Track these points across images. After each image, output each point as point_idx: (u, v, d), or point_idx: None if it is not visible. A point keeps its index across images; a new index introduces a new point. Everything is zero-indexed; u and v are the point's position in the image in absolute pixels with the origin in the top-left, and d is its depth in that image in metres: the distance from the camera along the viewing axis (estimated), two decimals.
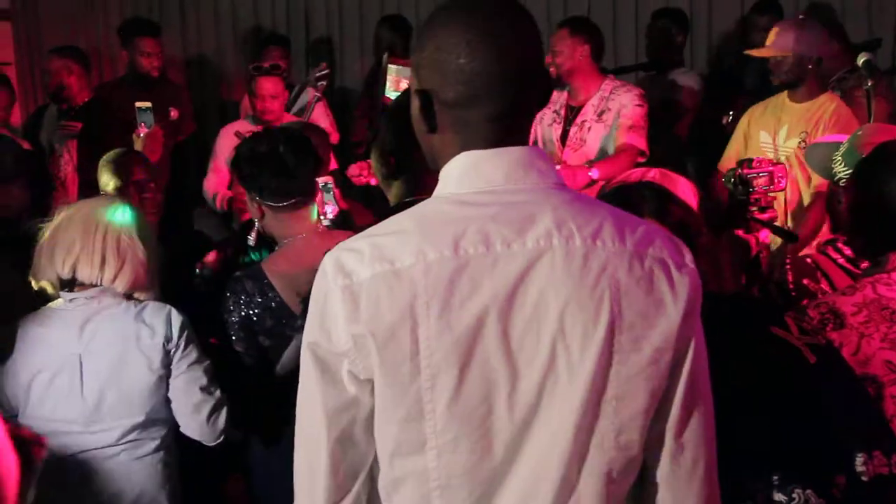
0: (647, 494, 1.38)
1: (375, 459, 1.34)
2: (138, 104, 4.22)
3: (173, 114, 4.75)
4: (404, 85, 3.83)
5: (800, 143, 3.83)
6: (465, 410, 1.26)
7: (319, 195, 2.98)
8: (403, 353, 1.25)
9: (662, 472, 1.35)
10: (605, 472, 1.30)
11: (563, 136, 4.25)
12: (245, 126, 4.43)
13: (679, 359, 1.32)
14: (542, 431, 1.28)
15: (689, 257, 1.37)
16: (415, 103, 1.37)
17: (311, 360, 1.31)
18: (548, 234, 1.28)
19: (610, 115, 4.17)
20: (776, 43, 3.90)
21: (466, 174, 1.33)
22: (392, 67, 4.08)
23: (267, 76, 4.55)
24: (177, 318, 2.50)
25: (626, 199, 1.82)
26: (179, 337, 2.48)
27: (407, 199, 2.06)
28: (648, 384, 1.30)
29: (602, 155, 4.14)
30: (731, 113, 4.21)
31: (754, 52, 4.09)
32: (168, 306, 2.52)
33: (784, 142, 3.95)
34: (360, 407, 1.31)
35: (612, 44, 5.52)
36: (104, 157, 3.61)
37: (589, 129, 4.19)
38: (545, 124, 4.35)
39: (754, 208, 2.67)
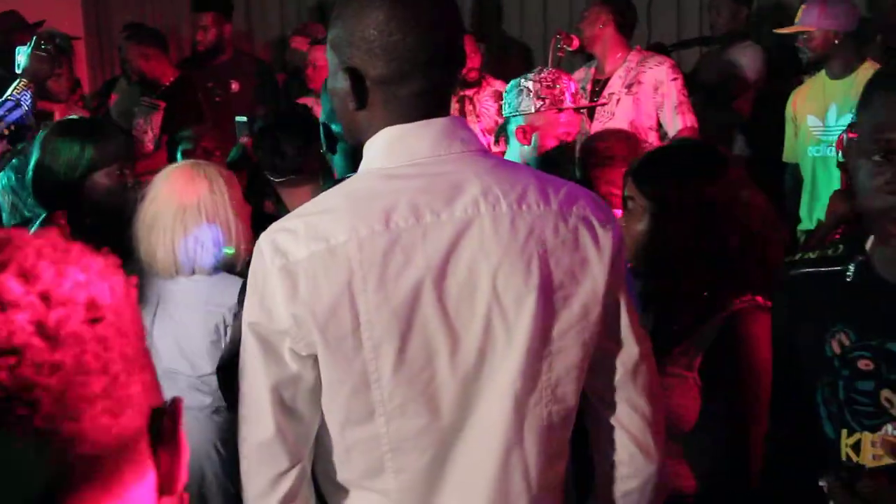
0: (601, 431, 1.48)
1: (325, 427, 1.37)
2: (237, 118, 4.02)
3: (234, 86, 4.82)
4: None
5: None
6: (410, 376, 1.30)
7: None
8: (345, 328, 1.28)
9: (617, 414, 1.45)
10: (546, 424, 1.36)
11: (591, 110, 4.20)
12: (310, 101, 4.49)
13: (610, 311, 1.39)
14: (486, 391, 1.33)
15: (611, 214, 1.41)
16: (342, 82, 1.36)
17: (253, 339, 1.34)
18: (475, 201, 1.32)
19: (641, 89, 4.10)
20: (802, 20, 3.83)
21: (392, 148, 1.35)
22: None
23: (315, 45, 4.65)
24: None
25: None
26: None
27: (347, 175, 2.05)
28: (580, 337, 1.36)
29: (631, 127, 4.08)
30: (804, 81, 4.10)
31: (782, 31, 3.99)
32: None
33: (836, 121, 3.82)
34: (302, 381, 1.34)
35: (676, 17, 5.42)
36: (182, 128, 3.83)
37: (618, 101, 4.13)
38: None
39: None
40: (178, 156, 3.71)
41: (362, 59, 1.33)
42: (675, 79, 4.12)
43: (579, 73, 4.34)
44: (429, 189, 1.32)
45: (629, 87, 4.13)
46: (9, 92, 2.84)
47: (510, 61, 5.43)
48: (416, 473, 1.35)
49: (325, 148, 2.15)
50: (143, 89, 4.87)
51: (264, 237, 1.33)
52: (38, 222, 2.57)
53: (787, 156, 4.11)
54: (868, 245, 1.48)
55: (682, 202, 1.84)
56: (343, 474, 1.39)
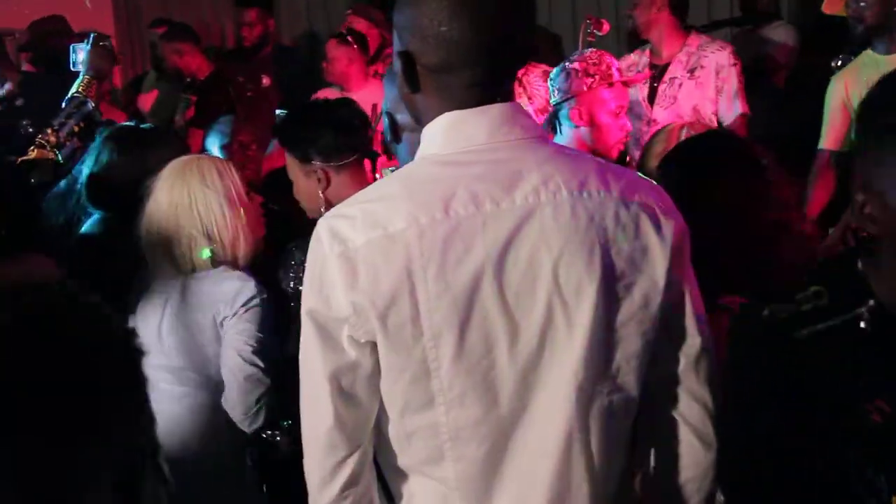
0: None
1: (385, 414, 1.38)
2: (279, 111, 4.09)
3: (265, 81, 4.82)
4: None
5: None
6: (469, 366, 1.30)
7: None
8: (404, 317, 1.28)
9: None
10: (608, 413, 1.35)
11: (651, 95, 4.16)
12: (332, 93, 4.49)
13: (673, 301, 1.37)
14: (546, 381, 1.32)
15: (673, 203, 1.39)
16: (397, 63, 1.37)
17: (312, 326, 1.34)
18: (535, 190, 1.31)
19: (704, 73, 4.03)
20: None
21: (449, 134, 1.34)
22: None
23: (332, 40, 4.63)
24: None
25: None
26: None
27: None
28: (640, 327, 1.35)
29: (694, 113, 4.05)
30: (840, 57, 3.95)
31: (831, 11, 3.78)
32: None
33: None
34: (360, 368, 1.34)
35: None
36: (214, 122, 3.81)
37: (680, 85, 4.07)
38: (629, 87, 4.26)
39: None
40: (218, 150, 3.70)
41: (416, 46, 1.33)
42: (734, 64, 4.04)
43: (632, 57, 4.28)
44: (487, 177, 1.31)
45: (691, 71, 4.06)
46: (74, 89, 2.86)
47: (539, 49, 5.40)
48: (474, 463, 1.35)
49: (389, 137, 2.11)
50: (180, 86, 4.90)
51: (322, 223, 1.33)
52: (89, 222, 2.59)
53: (833, 143, 3.73)
54: (873, 284, 1.21)
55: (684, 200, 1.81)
56: (403, 460, 1.40)
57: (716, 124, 4.00)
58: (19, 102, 3.90)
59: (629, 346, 1.35)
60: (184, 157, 2.41)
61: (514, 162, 1.32)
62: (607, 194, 1.33)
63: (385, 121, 2.01)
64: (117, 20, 6.55)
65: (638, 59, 4.25)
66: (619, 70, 2.81)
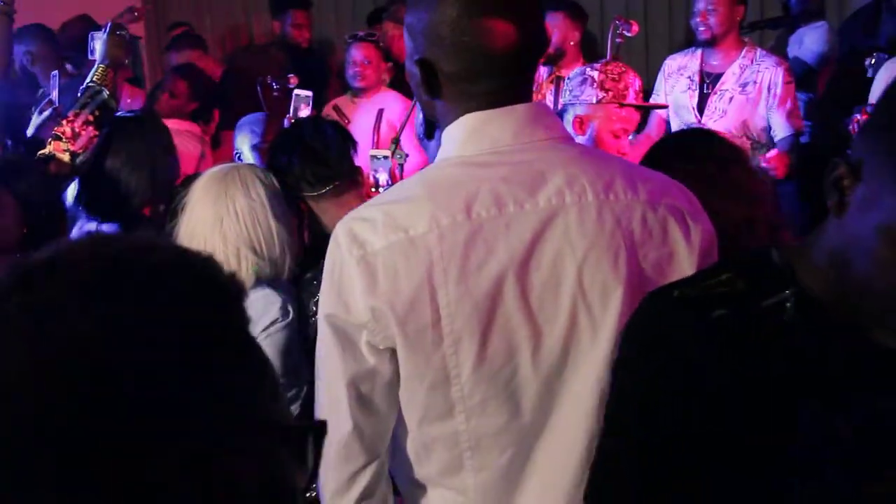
0: None
1: (403, 424, 1.33)
2: (297, 92, 4.02)
3: (292, 81, 4.80)
4: None
5: None
6: (491, 373, 1.26)
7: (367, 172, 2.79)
8: (425, 322, 1.24)
9: None
10: None
11: (700, 104, 4.04)
12: (344, 101, 4.49)
13: None
14: (569, 388, 1.28)
15: (701, 207, 1.34)
16: (414, 70, 1.33)
17: (330, 332, 1.30)
18: (559, 191, 1.27)
19: (755, 89, 3.92)
20: None
21: (472, 136, 1.30)
22: None
23: (360, 42, 4.56)
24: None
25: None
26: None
27: None
28: None
29: (744, 127, 3.92)
30: (874, 54, 3.88)
31: None
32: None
33: None
34: (379, 375, 1.30)
35: None
36: (240, 120, 3.71)
37: (731, 99, 3.96)
38: (678, 91, 4.11)
39: None
40: (249, 151, 3.59)
41: (434, 53, 1.29)
42: (789, 82, 3.94)
43: (680, 60, 4.16)
44: (511, 178, 1.27)
45: (744, 85, 3.95)
46: (89, 78, 2.85)
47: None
48: (495, 472, 1.30)
49: (423, 133, 2.03)
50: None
51: (341, 226, 1.29)
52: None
53: None
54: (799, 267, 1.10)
55: None
56: (421, 471, 1.35)
57: (764, 141, 3.91)
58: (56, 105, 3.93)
59: None
60: (222, 167, 2.28)
61: (538, 163, 1.28)
62: (634, 197, 1.29)
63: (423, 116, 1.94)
64: (147, 26, 6.58)
65: (688, 63, 4.11)
66: (636, 92, 2.70)
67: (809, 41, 4.50)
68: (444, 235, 1.23)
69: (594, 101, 2.65)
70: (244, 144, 3.61)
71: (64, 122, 2.69)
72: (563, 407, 1.28)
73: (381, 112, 4.10)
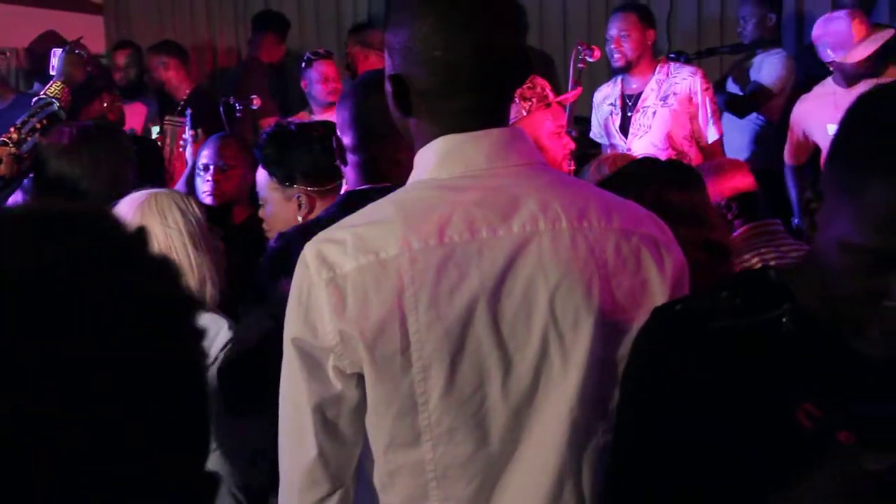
0: None
1: (368, 451, 1.31)
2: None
3: (255, 102, 4.79)
4: None
5: None
6: (460, 400, 1.24)
7: None
8: (394, 347, 1.22)
9: None
10: (603, 453, 1.28)
11: (623, 126, 4.16)
12: (303, 117, 4.50)
13: None
14: (539, 418, 1.26)
15: (673, 236, 1.34)
16: (388, 87, 1.32)
17: (296, 356, 1.27)
18: (533, 217, 1.25)
19: (676, 100, 4.05)
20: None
21: (446, 159, 1.29)
22: None
23: (318, 60, 4.62)
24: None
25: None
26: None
27: (360, 188, 1.90)
28: None
29: (668, 139, 4.03)
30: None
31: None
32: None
33: None
34: (345, 401, 1.28)
35: (697, 26, 5.37)
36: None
37: (654, 113, 4.08)
38: (601, 117, 4.29)
39: None
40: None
41: (407, 70, 1.28)
42: (707, 89, 4.08)
43: (604, 91, 4.33)
44: (485, 203, 1.25)
45: (664, 98, 4.08)
46: (43, 91, 2.94)
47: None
48: (461, 502, 1.28)
49: (338, 160, 1.97)
50: (161, 108, 4.95)
51: (309, 248, 1.27)
52: None
53: None
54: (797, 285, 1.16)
55: None
56: (385, 499, 1.32)
57: (688, 150, 4.05)
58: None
59: None
60: (140, 193, 2.21)
61: (512, 188, 1.27)
62: (608, 225, 1.28)
63: (335, 143, 1.93)
64: (108, 46, 6.55)
65: (611, 91, 4.29)
66: (551, 90, 2.82)
67: (768, 67, 4.59)
68: (416, 259, 1.22)
69: (525, 114, 2.72)
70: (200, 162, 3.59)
71: (12, 129, 2.75)
72: (533, 436, 1.27)
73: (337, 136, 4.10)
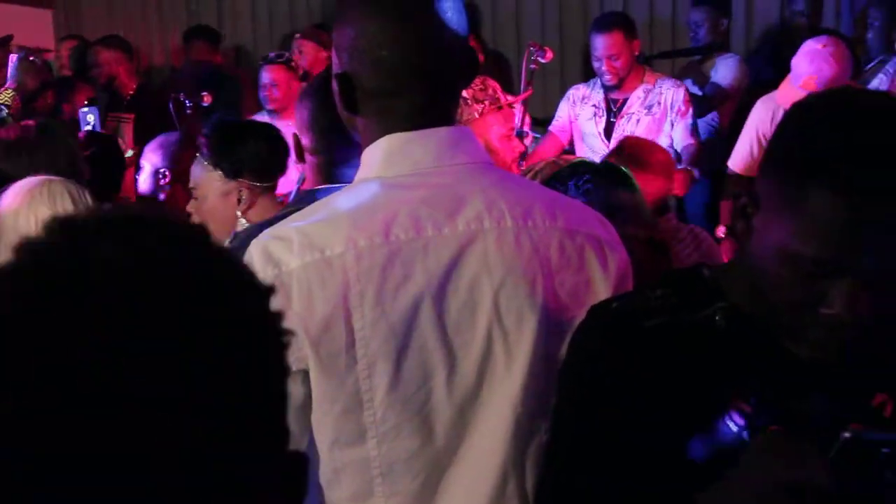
0: None
1: (314, 448, 1.30)
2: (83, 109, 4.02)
3: (206, 98, 4.74)
4: None
5: None
6: (405, 397, 1.24)
7: None
8: (339, 344, 1.22)
9: None
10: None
11: (608, 130, 4.18)
12: (262, 119, 4.44)
13: None
14: (484, 415, 1.27)
15: (617, 236, 1.36)
16: (335, 86, 1.32)
17: None
18: (478, 216, 1.26)
19: (660, 109, 4.11)
20: None
21: (392, 157, 1.29)
22: None
23: (269, 65, 4.59)
24: None
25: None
26: None
27: (313, 188, 1.90)
28: None
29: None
30: None
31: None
32: None
33: None
34: (290, 398, 1.24)
35: (649, 31, 5.42)
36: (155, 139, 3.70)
37: (637, 121, 4.12)
38: (583, 119, 4.27)
39: None
40: (148, 168, 3.56)
41: (354, 68, 1.29)
42: (688, 101, 4.15)
43: (583, 90, 4.31)
44: (431, 201, 1.26)
45: (649, 108, 4.13)
46: None
47: (483, 70, 5.38)
48: (407, 497, 1.28)
49: (296, 158, 1.98)
50: (108, 104, 4.90)
51: (255, 245, 1.26)
52: None
53: None
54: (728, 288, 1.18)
55: None
56: (331, 496, 1.32)
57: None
58: None
59: None
60: (31, 179, 2.18)
61: (458, 186, 1.28)
62: (553, 224, 1.29)
63: (293, 142, 1.94)
64: (58, 34, 6.45)
65: (590, 92, 4.28)
66: (503, 93, 2.84)
67: (724, 70, 4.66)
68: (362, 257, 1.22)
69: (477, 116, 2.72)
70: (147, 163, 3.55)
71: None
72: (477, 432, 1.28)
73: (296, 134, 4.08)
